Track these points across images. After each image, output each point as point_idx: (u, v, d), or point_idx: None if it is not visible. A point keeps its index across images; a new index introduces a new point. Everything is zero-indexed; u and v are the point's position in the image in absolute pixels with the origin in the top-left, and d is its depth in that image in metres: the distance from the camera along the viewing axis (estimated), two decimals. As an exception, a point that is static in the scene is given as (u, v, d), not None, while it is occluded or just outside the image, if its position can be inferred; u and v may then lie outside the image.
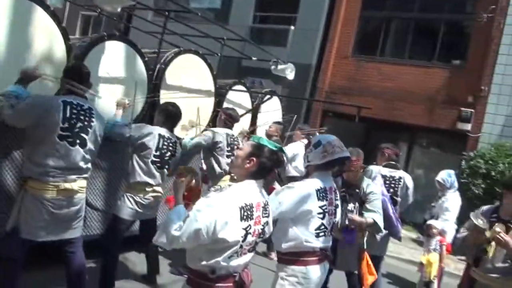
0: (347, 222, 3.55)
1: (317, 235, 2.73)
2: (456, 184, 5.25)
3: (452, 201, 5.16)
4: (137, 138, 3.76)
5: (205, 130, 5.00)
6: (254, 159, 2.18)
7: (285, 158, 2.71)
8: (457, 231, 3.95)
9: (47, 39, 3.70)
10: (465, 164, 8.96)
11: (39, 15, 3.63)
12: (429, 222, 5.16)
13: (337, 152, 2.82)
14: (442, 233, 5.06)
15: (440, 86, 10.42)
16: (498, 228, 3.02)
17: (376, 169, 4.65)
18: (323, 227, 2.75)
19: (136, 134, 3.75)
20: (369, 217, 3.60)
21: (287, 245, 2.73)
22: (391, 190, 4.55)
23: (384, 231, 4.04)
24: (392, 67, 11.10)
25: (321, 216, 2.73)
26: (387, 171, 4.64)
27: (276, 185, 4.67)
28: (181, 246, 2.04)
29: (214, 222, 1.97)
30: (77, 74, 3.17)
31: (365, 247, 3.84)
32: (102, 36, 4.29)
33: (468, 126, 9.75)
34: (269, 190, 2.58)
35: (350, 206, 3.59)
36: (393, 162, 4.76)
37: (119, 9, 4.20)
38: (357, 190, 3.73)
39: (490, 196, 7.84)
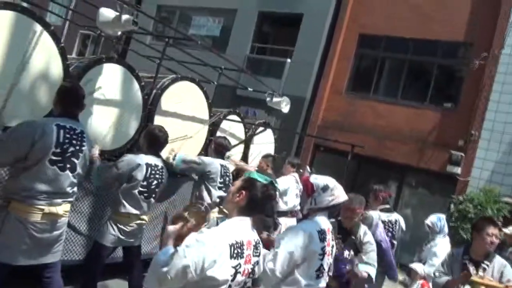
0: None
1: (317, 277, 2.75)
2: (446, 229, 5.22)
3: (441, 246, 5.11)
4: (127, 172, 3.64)
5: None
6: (244, 192, 2.14)
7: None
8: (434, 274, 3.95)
9: (45, 57, 3.67)
10: (454, 208, 8.96)
11: (39, 33, 3.61)
12: (411, 265, 5.12)
13: (342, 196, 2.88)
14: (426, 277, 4.99)
15: (431, 127, 10.53)
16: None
17: (375, 216, 4.57)
18: (322, 268, 2.78)
19: (125, 170, 3.63)
20: (364, 271, 3.53)
21: None
22: (389, 234, 4.54)
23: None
24: (384, 105, 11.23)
25: (321, 257, 2.77)
26: (385, 216, 4.62)
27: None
28: (171, 284, 1.95)
29: (202, 259, 1.90)
30: (72, 95, 3.09)
31: None
32: (100, 58, 4.27)
33: (458, 169, 9.80)
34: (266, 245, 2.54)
35: (346, 253, 3.50)
36: (388, 206, 4.75)
37: (119, 33, 4.20)
38: (353, 237, 3.66)
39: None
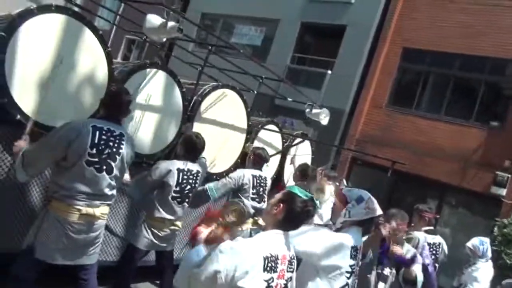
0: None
1: None
2: (489, 254, 4.98)
3: (483, 271, 4.88)
4: (160, 179, 3.69)
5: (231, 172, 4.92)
6: (282, 205, 2.11)
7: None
8: None
9: (92, 60, 3.76)
10: (498, 231, 8.58)
11: (87, 36, 3.71)
12: None
13: (377, 209, 2.75)
14: None
15: (475, 146, 10.14)
16: None
17: (422, 237, 4.38)
18: (347, 286, 2.61)
19: (158, 177, 3.68)
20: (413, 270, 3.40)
21: None
22: (432, 257, 4.35)
23: None
24: (426, 121, 10.93)
25: (348, 275, 2.61)
26: (431, 238, 4.45)
27: None
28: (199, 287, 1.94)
29: (234, 268, 1.88)
30: (117, 100, 3.13)
31: None
32: (144, 63, 4.35)
33: (503, 191, 9.39)
34: None
35: (387, 271, 3.37)
36: (433, 228, 4.58)
37: (164, 39, 4.26)
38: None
39: (522, 268, 7.44)
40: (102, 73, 3.83)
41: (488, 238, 5.20)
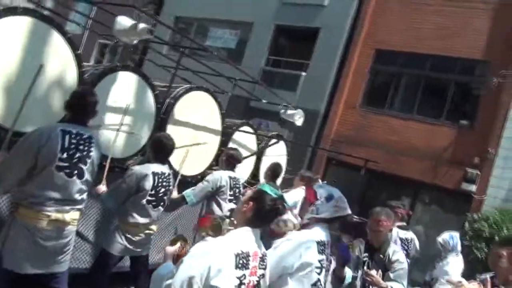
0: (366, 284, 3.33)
1: None
2: (459, 248, 5.11)
3: (453, 265, 5.00)
4: (135, 185, 3.61)
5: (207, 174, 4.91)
6: (251, 202, 2.12)
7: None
8: None
9: (60, 64, 3.71)
10: (468, 226, 8.79)
11: (55, 39, 3.65)
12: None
13: (346, 208, 2.73)
14: None
15: (446, 144, 10.38)
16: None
17: (394, 233, 4.47)
18: (319, 283, 2.62)
19: (134, 183, 3.61)
20: (390, 286, 3.26)
21: None
22: (404, 252, 4.42)
23: None
24: (399, 121, 11.13)
25: (318, 271, 2.60)
26: (403, 233, 4.53)
27: None
28: None
29: (208, 269, 1.88)
30: (82, 102, 3.06)
31: None
32: (115, 66, 4.31)
33: (473, 187, 9.63)
34: None
35: (373, 273, 3.28)
36: (405, 223, 4.66)
37: (135, 41, 4.24)
38: (381, 256, 3.43)
39: (492, 262, 7.62)
40: (71, 76, 3.78)
41: (458, 233, 5.32)
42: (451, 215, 10.04)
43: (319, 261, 2.60)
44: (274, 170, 5.51)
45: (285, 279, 2.57)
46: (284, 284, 2.57)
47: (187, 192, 4.42)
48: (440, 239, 5.14)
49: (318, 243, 2.61)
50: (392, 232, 4.45)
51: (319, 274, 2.61)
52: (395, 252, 3.42)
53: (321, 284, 2.63)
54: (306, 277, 2.57)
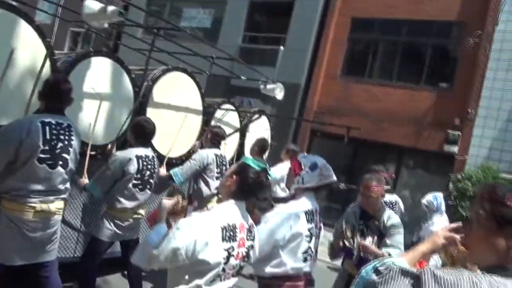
0: (361, 254, 3.30)
1: (305, 259, 2.68)
2: (443, 207, 5.21)
3: (438, 224, 5.10)
4: (120, 170, 3.58)
5: (193, 153, 4.91)
6: (235, 176, 2.13)
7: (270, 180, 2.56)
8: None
9: (30, 53, 3.61)
10: (453, 186, 8.98)
11: (23, 28, 3.55)
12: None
13: (331, 176, 2.79)
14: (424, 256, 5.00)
15: (427, 108, 10.51)
16: None
17: None
18: (309, 250, 2.71)
19: (118, 168, 3.58)
20: (386, 252, 3.17)
21: (272, 271, 2.64)
22: None
23: None
24: (379, 88, 11.20)
25: (308, 239, 2.69)
26: (387, 197, 4.55)
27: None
28: (160, 266, 1.95)
29: (194, 242, 1.89)
30: (56, 90, 3.01)
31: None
32: (88, 52, 4.22)
33: (455, 149, 9.81)
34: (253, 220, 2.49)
35: (368, 239, 3.26)
36: (389, 187, 4.69)
37: (106, 25, 4.14)
38: (377, 223, 3.39)
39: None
40: (44, 65, 3.69)
41: (441, 193, 5.42)
42: (436, 177, 10.25)
43: (309, 229, 2.68)
44: (261, 146, 5.53)
45: (277, 251, 2.62)
46: (276, 256, 2.63)
47: (175, 171, 4.43)
48: (424, 200, 5.24)
49: (306, 212, 2.68)
50: None
51: (309, 242, 2.69)
52: (390, 218, 3.37)
53: (312, 251, 2.72)
54: (297, 247, 2.65)
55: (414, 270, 1.37)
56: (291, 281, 2.65)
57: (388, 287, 1.36)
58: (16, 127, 2.82)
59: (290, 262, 2.62)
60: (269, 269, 2.64)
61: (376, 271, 1.44)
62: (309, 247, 2.69)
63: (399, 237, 3.27)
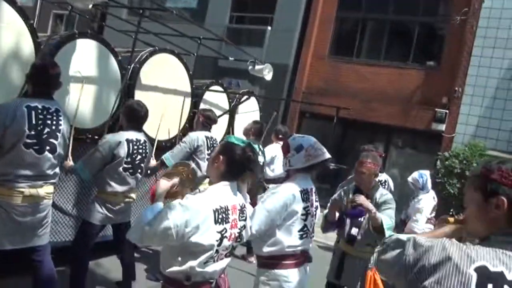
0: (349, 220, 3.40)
1: (301, 237, 2.72)
2: (429, 185, 5.26)
3: (424, 202, 5.18)
4: (110, 153, 3.55)
5: (183, 135, 4.89)
6: (221, 156, 2.11)
7: (259, 156, 2.50)
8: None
9: (13, 36, 3.53)
10: (440, 164, 9.09)
11: (5, 10, 3.46)
12: None
13: (320, 155, 2.77)
14: (409, 234, 5.09)
15: (415, 87, 10.55)
16: None
17: None
18: (305, 228, 2.75)
19: (108, 151, 3.54)
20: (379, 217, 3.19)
21: (269, 250, 2.68)
22: None
23: None
24: (368, 68, 11.20)
25: (304, 217, 2.73)
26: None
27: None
28: (152, 242, 1.99)
29: (185, 224, 1.89)
30: (43, 74, 2.96)
31: (372, 264, 3.40)
32: (72, 33, 4.13)
33: (442, 127, 9.90)
34: (253, 203, 2.50)
35: (361, 196, 3.23)
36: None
37: (90, 6, 4.05)
38: (370, 201, 3.36)
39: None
40: (27, 48, 3.61)
41: (428, 171, 5.47)
42: (424, 156, 10.36)
43: (304, 208, 2.72)
44: (258, 129, 5.59)
45: (273, 230, 2.66)
46: (272, 235, 2.67)
47: (166, 156, 4.45)
48: (410, 178, 5.29)
49: (301, 192, 2.72)
50: None
51: (305, 220, 2.74)
52: (383, 195, 3.39)
53: (307, 229, 2.76)
54: (292, 225, 2.70)
55: (404, 238, 1.45)
56: (288, 259, 2.69)
57: (385, 255, 1.49)
58: (0, 113, 2.77)
59: (286, 240, 2.66)
60: (266, 248, 2.68)
61: (383, 244, 1.58)
62: (305, 225, 2.73)
63: (390, 212, 3.30)
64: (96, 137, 4.16)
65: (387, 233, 3.07)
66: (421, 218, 5.10)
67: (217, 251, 2.00)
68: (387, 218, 3.17)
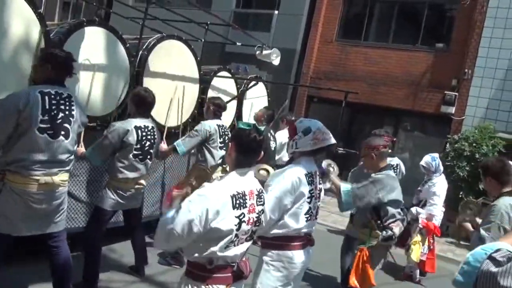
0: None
1: (307, 220, 2.76)
2: (441, 168, 5.27)
3: (439, 185, 5.19)
4: (119, 140, 3.62)
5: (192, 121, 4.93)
6: (231, 143, 2.18)
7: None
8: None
9: (22, 24, 3.55)
10: (450, 147, 9.04)
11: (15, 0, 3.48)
12: (412, 209, 5.19)
13: (327, 139, 2.79)
14: (428, 217, 5.12)
15: (424, 69, 10.44)
16: None
17: None
18: (310, 211, 2.78)
19: (117, 138, 3.61)
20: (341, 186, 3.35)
21: (275, 232, 2.71)
22: None
23: None
24: (376, 51, 11.08)
25: (309, 200, 2.76)
26: (388, 160, 4.59)
27: None
28: (178, 242, 2.02)
29: (206, 211, 1.94)
30: (57, 62, 2.97)
31: (366, 245, 3.34)
32: (81, 21, 4.15)
33: (452, 109, 9.81)
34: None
35: (334, 168, 3.42)
36: (390, 150, 4.73)
37: (98, -7, 4.05)
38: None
39: (474, 178, 7.94)
40: (37, 37, 3.64)
41: (438, 154, 5.46)
42: (433, 139, 10.30)
43: (309, 191, 2.75)
44: (269, 115, 5.64)
45: (282, 215, 2.69)
46: (281, 218, 2.70)
47: (178, 142, 4.52)
48: (422, 162, 5.28)
49: (306, 175, 2.74)
50: None
51: (309, 203, 2.76)
52: (377, 175, 3.39)
53: (312, 212, 2.80)
54: (299, 208, 2.73)
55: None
56: (293, 241, 2.72)
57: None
58: (14, 98, 2.81)
59: (293, 223, 2.70)
60: (273, 231, 2.71)
61: (492, 259, 1.32)
62: (310, 208, 2.76)
63: (365, 188, 3.33)
64: (106, 124, 4.20)
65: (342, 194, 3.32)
66: (439, 201, 5.12)
67: (236, 235, 2.04)
68: (346, 186, 3.36)
